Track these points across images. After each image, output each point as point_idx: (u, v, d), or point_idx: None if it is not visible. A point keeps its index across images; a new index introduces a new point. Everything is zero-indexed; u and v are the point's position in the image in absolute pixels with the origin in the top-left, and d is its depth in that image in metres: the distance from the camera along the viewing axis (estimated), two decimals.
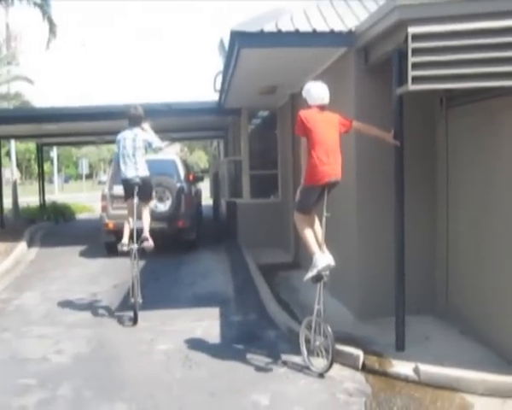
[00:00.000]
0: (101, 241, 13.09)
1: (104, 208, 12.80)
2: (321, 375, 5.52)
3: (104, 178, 73.24)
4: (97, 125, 15.83)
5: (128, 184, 7.88)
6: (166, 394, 5.32)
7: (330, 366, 5.50)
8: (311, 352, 5.79)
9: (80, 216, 23.91)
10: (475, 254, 6.12)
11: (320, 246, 5.72)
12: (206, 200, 22.34)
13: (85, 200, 30.95)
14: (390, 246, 6.12)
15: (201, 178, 18.35)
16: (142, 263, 8.17)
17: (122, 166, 7.88)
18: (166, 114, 13.87)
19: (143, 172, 7.87)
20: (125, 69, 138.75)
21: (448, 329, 6.45)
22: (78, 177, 64.61)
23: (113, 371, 5.95)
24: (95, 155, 68.91)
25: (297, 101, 10.17)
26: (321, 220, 5.76)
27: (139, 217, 7.95)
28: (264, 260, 11.25)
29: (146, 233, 7.94)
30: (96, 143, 26.43)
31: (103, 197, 12.87)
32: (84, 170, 49.79)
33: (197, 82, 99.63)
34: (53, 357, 6.37)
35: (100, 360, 6.31)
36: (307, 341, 5.85)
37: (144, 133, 7.94)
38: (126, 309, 7.99)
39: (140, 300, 7.67)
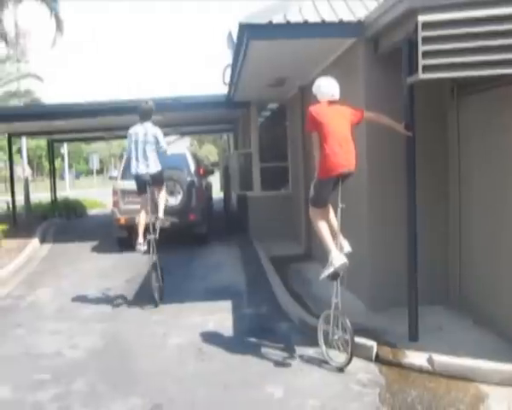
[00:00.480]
0: (112, 236, 13.19)
1: (116, 203, 12.82)
2: (340, 369, 5.48)
3: (115, 173, 73.80)
4: (107, 120, 15.83)
5: (139, 180, 8.01)
6: (180, 387, 5.33)
7: (350, 359, 5.45)
8: (328, 345, 5.76)
9: (92, 212, 23.97)
10: (489, 242, 6.07)
11: (336, 237, 5.70)
12: (217, 193, 22.35)
13: (96, 195, 31.05)
14: (402, 236, 6.10)
15: (212, 172, 18.41)
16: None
17: (134, 162, 7.98)
18: (176, 108, 13.86)
19: (154, 167, 7.97)
20: (133, 63, 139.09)
21: (461, 319, 6.41)
22: (89, 172, 64.88)
23: (126, 365, 5.97)
24: (105, 151, 69.16)
25: (306, 92, 10.14)
26: (336, 212, 5.73)
27: (152, 211, 8.12)
28: (276, 253, 11.25)
29: (160, 214, 8.24)
30: (106, 138, 26.48)
31: (114, 192, 12.94)
32: (95, 166, 49.93)
33: (206, 75, 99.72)
34: (67, 352, 6.41)
35: (113, 354, 6.34)
36: (325, 335, 5.83)
37: (155, 128, 8.02)
38: (139, 303, 8.06)
39: (162, 283, 8.19)
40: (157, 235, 8.17)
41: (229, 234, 14.65)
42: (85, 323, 7.47)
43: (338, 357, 5.62)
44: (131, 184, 8.37)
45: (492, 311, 5.97)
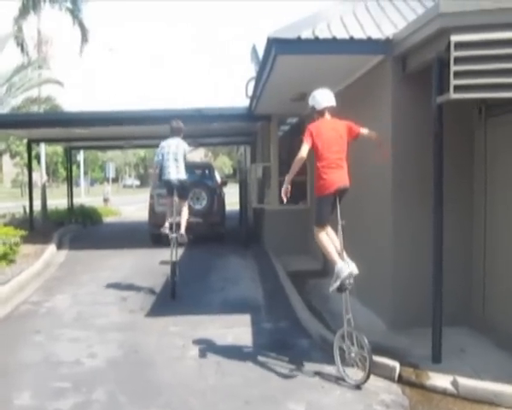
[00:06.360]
0: (142, 237, 15.53)
1: (151, 205, 15.58)
2: (357, 387, 5.44)
3: (129, 181, 75.78)
4: (125, 129, 15.94)
5: (169, 185, 9.38)
6: (200, 401, 5.29)
7: (367, 377, 5.41)
8: (345, 363, 5.71)
9: (106, 220, 24.10)
10: None
11: (340, 255, 5.72)
12: (233, 205, 22.27)
13: (111, 203, 31.17)
14: (426, 255, 6.05)
15: (225, 183, 19.90)
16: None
17: (166, 169, 9.27)
18: (197, 120, 13.91)
19: (182, 175, 9.33)
20: (155, 74, 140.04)
21: (484, 341, 6.34)
22: (104, 180, 65.28)
23: (146, 376, 5.94)
24: (120, 159, 69.56)
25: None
26: (337, 229, 5.75)
27: (178, 213, 9.50)
28: (293, 267, 11.20)
29: (182, 230, 9.48)
30: (124, 147, 26.61)
31: (151, 196, 15.70)
32: (111, 174, 50.19)
33: (227, 87, 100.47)
34: (86, 361, 6.40)
35: (132, 364, 6.32)
36: (342, 352, 5.78)
37: (184, 143, 9.41)
38: (156, 313, 8.05)
39: (177, 279, 9.20)
40: (180, 232, 9.43)
41: (245, 247, 14.61)
42: (103, 332, 7.46)
43: (355, 374, 5.57)
44: (164, 190, 9.95)
45: None
